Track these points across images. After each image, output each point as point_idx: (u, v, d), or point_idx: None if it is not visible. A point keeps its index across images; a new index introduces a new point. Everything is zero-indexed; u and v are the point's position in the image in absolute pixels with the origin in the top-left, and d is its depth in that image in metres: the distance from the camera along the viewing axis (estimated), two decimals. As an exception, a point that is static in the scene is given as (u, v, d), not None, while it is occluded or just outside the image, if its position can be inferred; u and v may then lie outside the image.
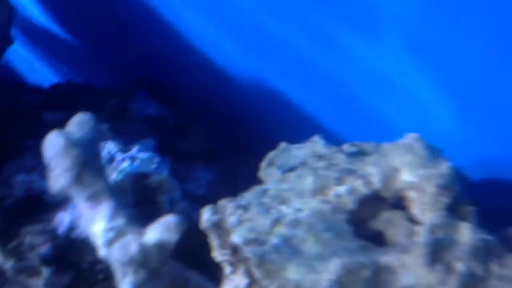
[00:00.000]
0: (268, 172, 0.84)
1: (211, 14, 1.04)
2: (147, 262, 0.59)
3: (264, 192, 0.77)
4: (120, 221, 0.62)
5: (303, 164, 0.82)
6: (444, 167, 0.68)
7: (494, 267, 0.64)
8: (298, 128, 1.03)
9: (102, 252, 0.62)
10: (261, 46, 1.02)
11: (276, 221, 0.72)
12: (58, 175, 0.61)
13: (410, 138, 0.73)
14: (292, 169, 0.82)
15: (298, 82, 1.02)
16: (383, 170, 0.72)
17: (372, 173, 0.73)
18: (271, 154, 0.85)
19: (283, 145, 0.86)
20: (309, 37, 0.94)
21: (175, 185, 0.94)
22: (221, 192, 0.83)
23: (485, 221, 0.68)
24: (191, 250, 0.76)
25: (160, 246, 0.59)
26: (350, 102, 0.97)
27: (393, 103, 0.90)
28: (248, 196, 0.77)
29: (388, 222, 0.72)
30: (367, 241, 0.70)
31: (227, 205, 0.76)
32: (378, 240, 0.72)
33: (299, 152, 0.85)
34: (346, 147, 0.83)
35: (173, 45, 1.14)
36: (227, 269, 0.74)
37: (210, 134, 1.13)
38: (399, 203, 0.72)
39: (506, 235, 0.71)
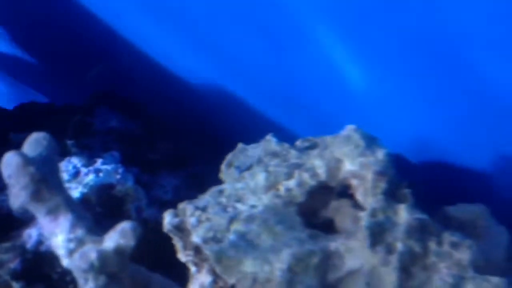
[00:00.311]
0: (228, 173, 0.87)
1: (169, 24, 1.08)
2: (107, 268, 0.63)
3: (221, 192, 0.81)
4: (79, 232, 0.65)
5: (259, 162, 0.86)
6: (380, 154, 0.73)
7: (432, 244, 0.68)
8: (262, 128, 1.07)
9: (64, 262, 0.65)
10: (218, 54, 1.05)
11: (232, 219, 0.76)
12: (17, 193, 0.64)
13: (348, 129, 0.77)
14: (248, 168, 0.86)
15: (256, 85, 1.06)
16: (327, 161, 0.76)
17: (318, 165, 0.77)
18: (229, 156, 0.89)
19: (240, 146, 0.89)
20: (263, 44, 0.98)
21: (140, 193, 0.98)
22: (188, 196, 0.85)
23: (424, 201, 0.72)
24: (163, 253, 0.80)
25: (118, 252, 0.63)
26: (304, 101, 1.01)
27: (340, 98, 0.94)
28: (206, 197, 0.81)
29: (336, 210, 0.76)
30: (318, 230, 0.74)
31: (187, 207, 0.79)
32: (328, 227, 0.77)
33: (254, 151, 0.88)
34: (299, 142, 0.87)
35: (134, 58, 1.17)
36: (192, 268, 0.78)
37: (176, 141, 1.17)
38: (345, 191, 0.77)
39: (443, 213, 0.75)
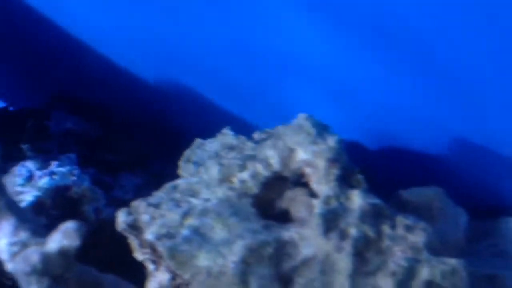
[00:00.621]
0: (186, 169, 0.86)
1: (125, 22, 1.06)
2: (50, 270, 0.61)
3: (175, 187, 0.80)
4: (23, 235, 0.63)
5: (216, 156, 0.84)
6: (331, 141, 0.72)
7: (386, 228, 0.68)
8: (223, 122, 1.06)
9: (9, 266, 0.64)
10: (174, 51, 1.04)
11: (186, 214, 0.74)
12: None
13: (300, 118, 0.76)
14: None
15: (214, 80, 1.05)
16: (280, 151, 0.75)
17: (270, 156, 0.76)
18: (187, 151, 0.88)
19: (197, 141, 0.88)
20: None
21: (98, 194, 0.96)
22: (149, 195, 0.84)
23: (379, 187, 0.71)
24: (124, 253, 0.78)
25: (62, 253, 0.61)
26: (262, 90, 1.00)
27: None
28: (160, 193, 0.79)
29: (292, 200, 0.75)
30: (273, 221, 0.73)
31: (140, 204, 0.78)
32: (285, 217, 0.75)
33: (211, 145, 0.87)
34: (256, 135, 0.86)
35: (90, 58, 1.15)
36: (150, 267, 0.76)
37: (136, 141, 1.16)
38: (300, 181, 0.76)
39: (397, 198, 0.75)
